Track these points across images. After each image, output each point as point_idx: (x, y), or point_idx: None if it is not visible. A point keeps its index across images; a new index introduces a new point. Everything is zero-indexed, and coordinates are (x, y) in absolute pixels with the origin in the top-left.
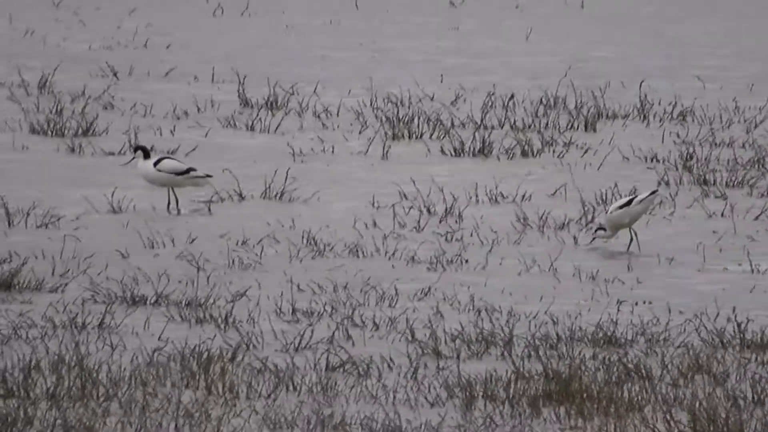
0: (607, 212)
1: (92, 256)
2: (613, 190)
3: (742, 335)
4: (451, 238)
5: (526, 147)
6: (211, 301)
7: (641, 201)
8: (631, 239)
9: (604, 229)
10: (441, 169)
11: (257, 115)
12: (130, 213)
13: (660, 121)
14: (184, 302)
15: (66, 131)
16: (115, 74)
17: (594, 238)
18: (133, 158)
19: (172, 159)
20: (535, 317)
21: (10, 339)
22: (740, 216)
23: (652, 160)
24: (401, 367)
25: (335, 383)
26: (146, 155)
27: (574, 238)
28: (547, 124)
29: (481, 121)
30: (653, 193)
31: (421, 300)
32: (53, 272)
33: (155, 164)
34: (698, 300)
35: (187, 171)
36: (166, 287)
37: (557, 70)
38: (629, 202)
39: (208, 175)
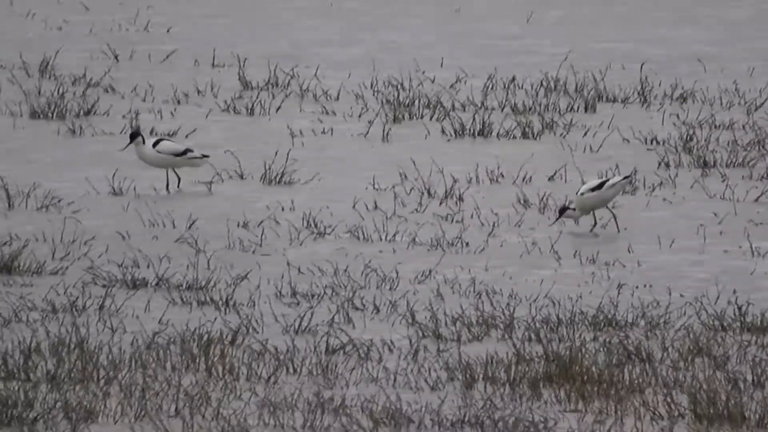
0: (578, 192)
1: (93, 239)
2: (614, 171)
3: (742, 318)
4: (452, 220)
5: (526, 129)
6: (212, 283)
7: (613, 185)
8: (595, 222)
9: (573, 209)
10: (441, 151)
11: (257, 97)
12: (131, 195)
13: (660, 103)
14: (184, 285)
15: (67, 113)
16: (116, 57)
17: (559, 217)
18: (129, 144)
19: (170, 140)
20: (535, 300)
21: (11, 322)
22: (740, 198)
23: (652, 142)
24: (402, 350)
25: (335, 366)
26: (143, 139)
27: (575, 220)
28: (547, 106)
29: (482, 103)
30: (626, 177)
31: (421, 283)
32: (54, 255)
33: (154, 146)
34: (699, 282)
35: (185, 152)
36: (167, 270)
37: (558, 52)
38: (601, 185)
39: (205, 155)
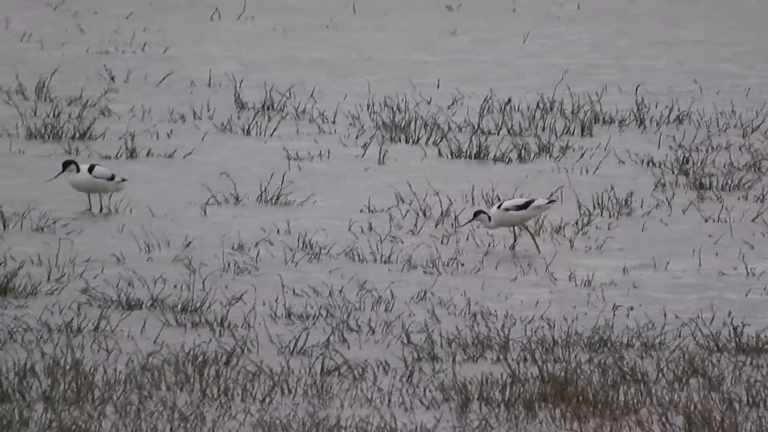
0: (500, 207)
1: (88, 260)
2: (610, 193)
3: (737, 339)
4: (447, 242)
5: (522, 151)
6: (207, 305)
7: (539, 207)
8: (516, 239)
9: (489, 218)
10: (437, 173)
11: (254, 118)
12: (126, 216)
13: (656, 125)
14: (179, 306)
15: (63, 135)
16: (112, 78)
17: (472, 219)
18: (62, 172)
19: (101, 165)
20: (531, 321)
21: (6, 343)
22: (736, 220)
23: (648, 164)
24: (397, 371)
25: (330, 387)
26: (77, 167)
27: (570, 241)
28: (543, 128)
29: (478, 125)
30: (551, 201)
31: (417, 304)
32: (49, 276)
33: (89, 171)
34: (694, 304)
35: (113, 177)
36: (162, 291)
37: (554, 73)
38: (527, 205)
39: (124, 179)
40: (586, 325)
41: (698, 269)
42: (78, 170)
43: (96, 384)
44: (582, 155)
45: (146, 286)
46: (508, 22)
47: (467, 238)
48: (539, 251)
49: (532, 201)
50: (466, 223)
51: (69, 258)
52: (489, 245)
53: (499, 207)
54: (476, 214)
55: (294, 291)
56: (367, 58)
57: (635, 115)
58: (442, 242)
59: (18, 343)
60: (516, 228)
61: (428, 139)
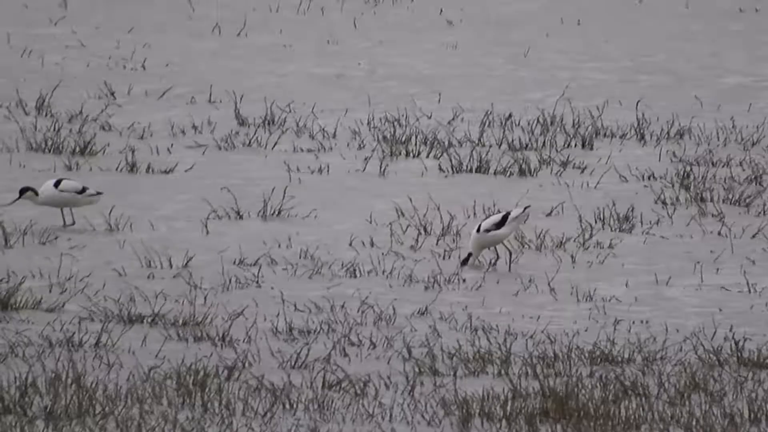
0: (479, 230)
1: (89, 275)
2: (611, 208)
3: (739, 354)
4: (449, 257)
5: (523, 165)
6: (208, 319)
7: (516, 218)
8: (498, 257)
9: (470, 255)
10: (438, 188)
11: (254, 134)
12: (127, 232)
13: (657, 140)
14: (180, 321)
15: (63, 150)
16: (112, 93)
17: (464, 266)
18: (18, 198)
19: (68, 179)
20: (532, 336)
21: (7, 357)
22: (737, 235)
23: (649, 179)
24: (398, 386)
25: (332, 401)
26: (35, 192)
27: (572, 256)
28: (544, 143)
29: (479, 139)
30: (526, 208)
31: (418, 319)
32: (50, 291)
33: (56, 186)
34: (695, 319)
35: (83, 190)
36: (163, 306)
37: (555, 88)
38: (504, 219)
39: (99, 192)
40: (587, 340)
41: (699, 284)
42: (36, 194)
43: (97, 399)
44: (583, 170)
45: (147, 300)
46: (509, 37)
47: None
48: (509, 270)
49: (508, 214)
50: (463, 270)
51: (70, 273)
52: (490, 261)
53: (478, 230)
54: (466, 259)
55: (295, 306)
56: (368, 72)
57: (636, 130)
58: (443, 257)
59: (19, 357)
60: (507, 242)
61: (429, 154)
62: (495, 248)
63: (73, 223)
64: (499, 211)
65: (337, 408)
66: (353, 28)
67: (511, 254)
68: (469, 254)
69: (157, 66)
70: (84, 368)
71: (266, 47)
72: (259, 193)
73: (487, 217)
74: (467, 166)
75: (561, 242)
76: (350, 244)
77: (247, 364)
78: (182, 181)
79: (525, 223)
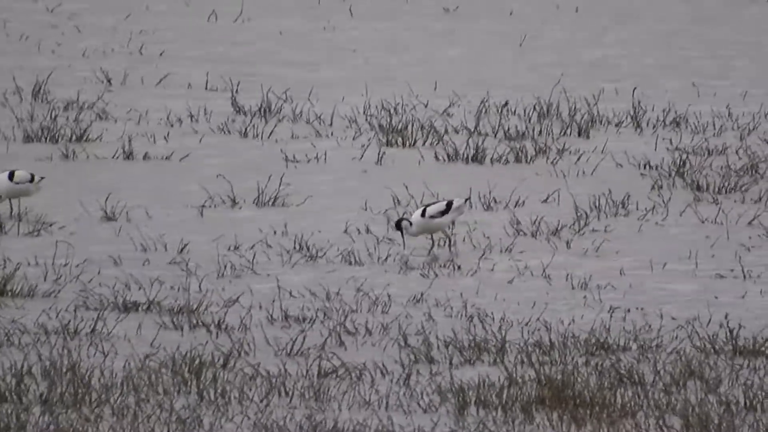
0: (423, 213)
1: (85, 263)
2: (607, 195)
3: (734, 341)
4: (444, 244)
5: (519, 153)
6: (204, 307)
7: (458, 208)
8: (434, 243)
9: (410, 224)
10: (434, 176)
11: (251, 121)
12: (123, 219)
13: (653, 127)
14: (176, 309)
15: (60, 138)
16: (109, 81)
17: (400, 230)
18: None
19: (20, 170)
20: (527, 323)
21: (3, 345)
22: (733, 222)
23: (645, 167)
24: (394, 374)
25: (328, 389)
26: None
27: (567, 243)
28: (540, 130)
29: (475, 127)
30: (467, 200)
31: (413, 306)
32: (46, 278)
33: (10, 178)
34: (691, 306)
35: (33, 178)
36: (158, 293)
37: (551, 76)
38: (448, 206)
39: (42, 177)
40: (583, 328)
41: (695, 271)
42: (11, 178)
43: (93, 387)
44: (579, 158)
45: (143, 288)
46: (505, 25)
47: (464, 240)
48: (455, 255)
49: (451, 202)
50: (397, 229)
51: (66, 260)
52: (485, 248)
53: (423, 214)
54: (399, 223)
55: (291, 293)
56: (364, 60)
57: (632, 118)
58: (438, 245)
59: (15, 345)
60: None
61: (425, 142)
62: (432, 235)
63: (13, 214)
64: (462, 197)
65: (333, 396)
66: (350, 16)
67: (450, 240)
68: (407, 219)
69: (153, 53)
70: (79, 356)
71: (264, 34)
72: (254, 181)
73: (430, 204)
74: (463, 154)
75: (556, 229)
76: (346, 232)
77: (242, 352)
78: (178, 169)
79: (463, 215)
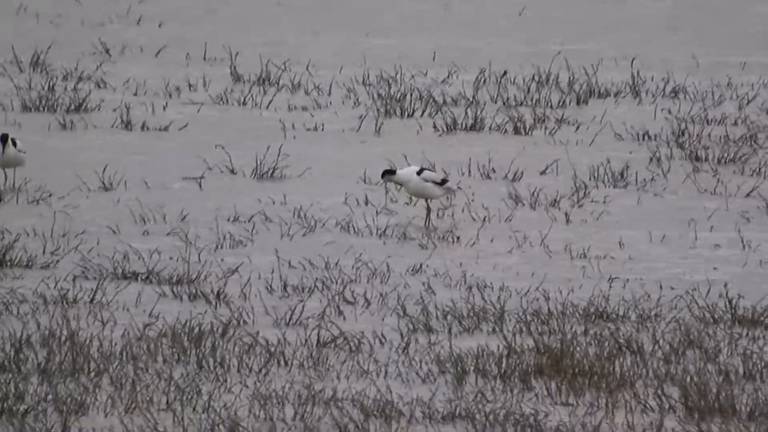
0: (420, 173)
1: (83, 233)
2: (605, 166)
3: (733, 311)
4: (443, 215)
5: (518, 123)
6: (203, 277)
7: (448, 189)
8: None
9: (400, 185)
10: (433, 146)
11: (249, 91)
12: (122, 190)
13: (652, 97)
14: (175, 279)
15: (58, 108)
16: (107, 51)
17: (384, 180)
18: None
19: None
20: (526, 293)
21: (1, 315)
22: (732, 193)
23: (643, 137)
24: (393, 343)
25: (326, 358)
26: (14, 142)
27: (566, 214)
28: (539, 100)
29: (473, 97)
30: (459, 187)
31: (412, 276)
32: (44, 248)
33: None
34: (690, 276)
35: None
36: (158, 264)
37: (550, 46)
38: (443, 182)
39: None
40: (581, 297)
41: (694, 242)
42: (15, 145)
43: (92, 356)
44: (578, 128)
45: (141, 258)
46: None
47: (462, 211)
48: (454, 226)
49: (446, 180)
50: (383, 177)
51: (64, 230)
52: (484, 218)
53: (419, 174)
54: (385, 174)
55: (290, 263)
56: (362, 31)
57: (631, 88)
58: (437, 215)
59: (14, 315)
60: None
61: (423, 112)
62: (428, 203)
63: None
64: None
65: (331, 365)
66: None
67: (429, 211)
68: (394, 171)
69: (151, 23)
70: (78, 325)
71: (263, 5)
72: (253, 151)
73: (427, 169)
74: (462, 124)
75: (555, 200)
76: (344, 202)
77: (241, 322)
78: (177, 139)
79: (447, 199)
